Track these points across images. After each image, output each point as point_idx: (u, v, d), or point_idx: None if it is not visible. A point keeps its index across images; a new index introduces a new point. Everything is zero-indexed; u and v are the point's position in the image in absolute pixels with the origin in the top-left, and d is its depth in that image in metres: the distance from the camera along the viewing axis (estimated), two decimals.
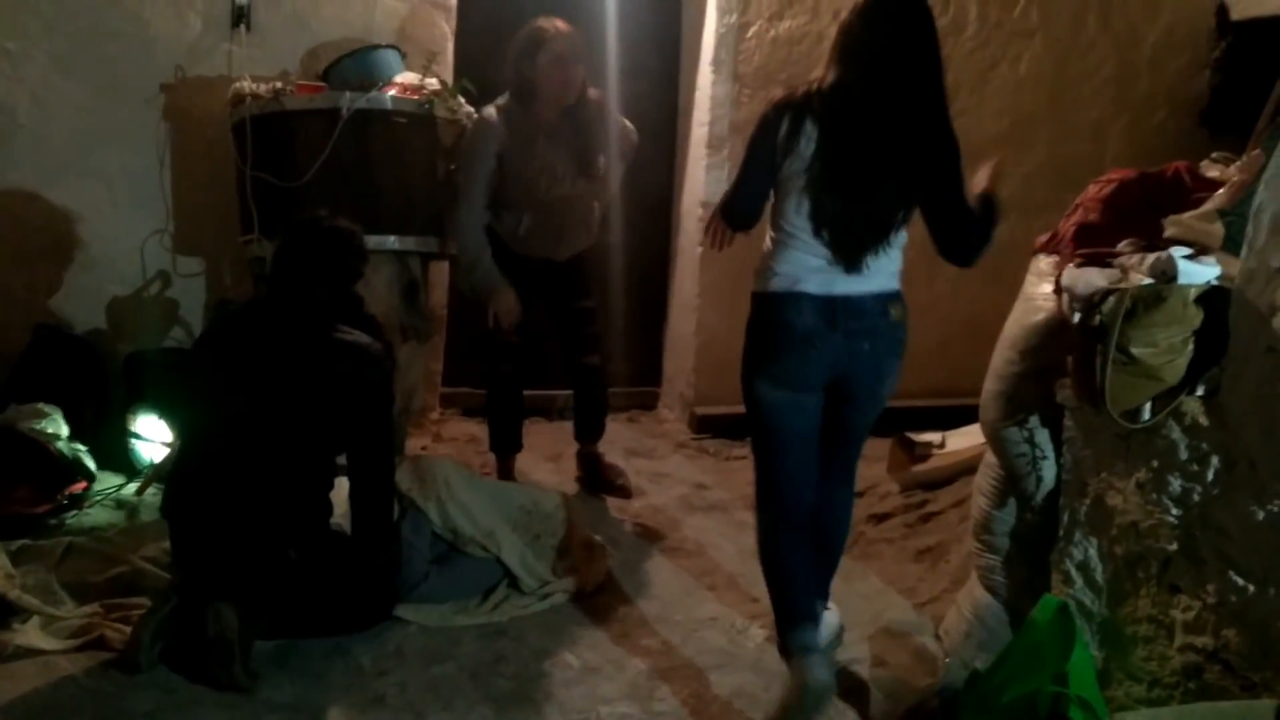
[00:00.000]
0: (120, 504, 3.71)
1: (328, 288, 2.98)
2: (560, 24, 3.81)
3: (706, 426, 5.10)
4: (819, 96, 2.57)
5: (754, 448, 2.86)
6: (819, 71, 2.67)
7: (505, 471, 4.13)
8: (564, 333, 4.13)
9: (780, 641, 2.63)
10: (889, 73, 2.55)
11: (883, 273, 2.63)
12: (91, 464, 3.78)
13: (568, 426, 5.02)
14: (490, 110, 3.82)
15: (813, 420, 2.74)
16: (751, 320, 2.86)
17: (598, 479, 4.24)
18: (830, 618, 2.87)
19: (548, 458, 4.64)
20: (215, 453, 2.82)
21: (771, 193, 2.71)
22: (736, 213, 2.83)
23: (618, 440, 4.99)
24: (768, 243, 2.77)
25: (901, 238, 2.66)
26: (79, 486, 3.66)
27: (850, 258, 2.58)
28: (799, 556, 2.71)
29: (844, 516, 2.95)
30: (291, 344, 2.88)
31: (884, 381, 2.79)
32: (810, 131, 2.55)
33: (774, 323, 2.72)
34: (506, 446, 4.17)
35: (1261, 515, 2.21)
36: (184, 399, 3.09)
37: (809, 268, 2.62)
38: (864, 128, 2.53)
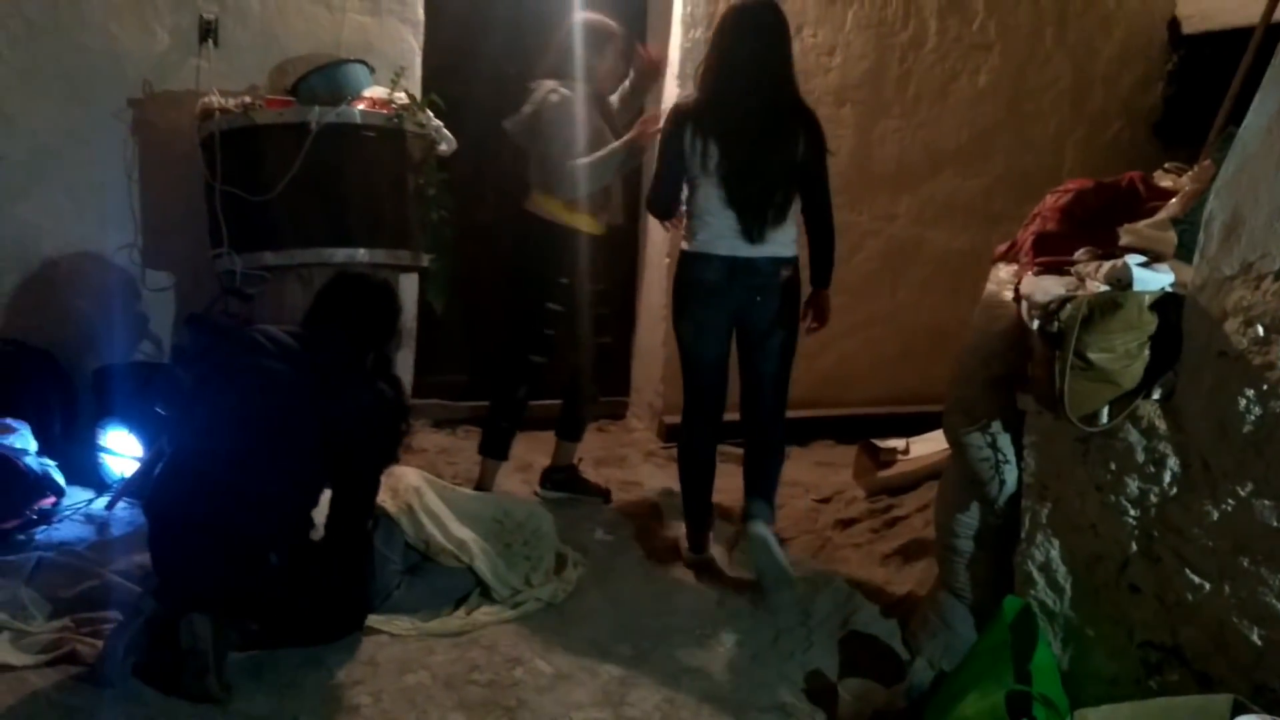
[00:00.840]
0: (90, 518, 3.70)
1: (374, 349, 3.06)
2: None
3: (675, 435, 5.10)
4: (704, 109, 3.38)
5: (682, 371, 3.67)
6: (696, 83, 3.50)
7: (487, 476, 4.14)
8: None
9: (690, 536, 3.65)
10: (742, 83, 3.34)
11: (777, 241, 3.41)
12: (60, 478, 3.75)
13: (540, 437, 5.03)
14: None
15: (718, 350, 3.52)
16: (676, 273, 3.56)
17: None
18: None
19: (518, 468, 4.65)
20: (209, 459, 2.81)
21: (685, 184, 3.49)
22: (660, 207, 3.62)
23: (587, 450, 5.01)
24: (690, 219, 3.50)
25: (794, 213, 3.45)
26: (48, 501, 3.64)
27: (753, 229, 3.36)
28: (707, 454, 3.67)
29: (777, 453, 3.65)
30: (324, 382, 2.87)
31: (777, 331, 3.49)
32: (707, 139, 3.35)
33: (690, 275, 3.48)
34: (499, 453, 4.18)
35: (1216, 515, 2.28)
36: (182, 405, 3.06)
37: (720, 235, 3.39)
38: (743, 131, 3.34)
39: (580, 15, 4.09)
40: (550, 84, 3.97)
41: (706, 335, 3.50)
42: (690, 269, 3.47)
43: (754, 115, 3.34)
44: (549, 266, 3.98)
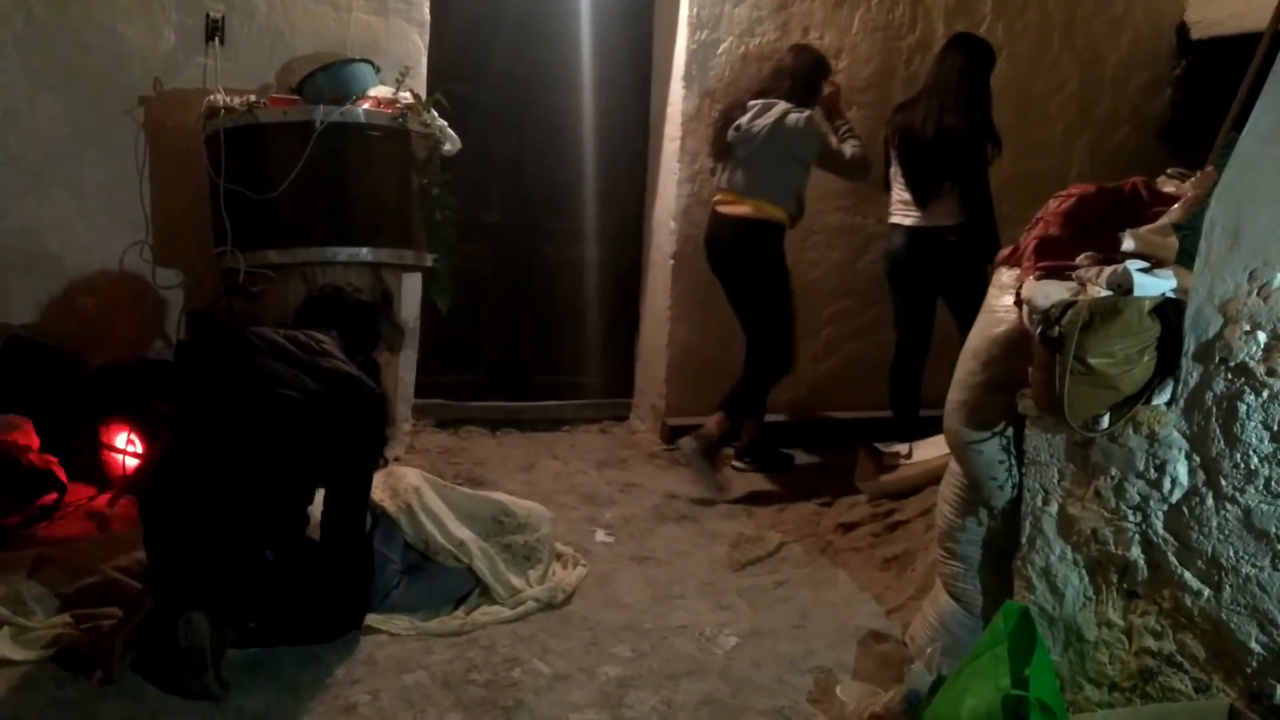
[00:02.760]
0: (91, 515, 3.71)
1: (362, 354, 3.17)
2: None
3: (678, 437, 5.11)
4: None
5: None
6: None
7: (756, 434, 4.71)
8: None
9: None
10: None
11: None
12: (63, 475, 3.76)
13: (542, 437, 5.06)
14: None
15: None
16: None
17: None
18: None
19: (521, 468, 4.66)
20: (202, 457, 2.82)
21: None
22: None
23: (590, 451, 5.03)
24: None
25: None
26: (50, 497, 3.66)
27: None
28: None
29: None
30: (319, 381, 2.91)
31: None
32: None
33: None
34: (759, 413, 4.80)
35: (1216, 522, 2.28)
36: (182, 403, 3.09)
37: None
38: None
39: (803, 46, 4.80)
40: (784, 105, 4.46)
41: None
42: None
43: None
44: (780, 259, 4.63)
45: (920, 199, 4.60)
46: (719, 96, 5.10)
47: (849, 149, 4.63)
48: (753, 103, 4.52)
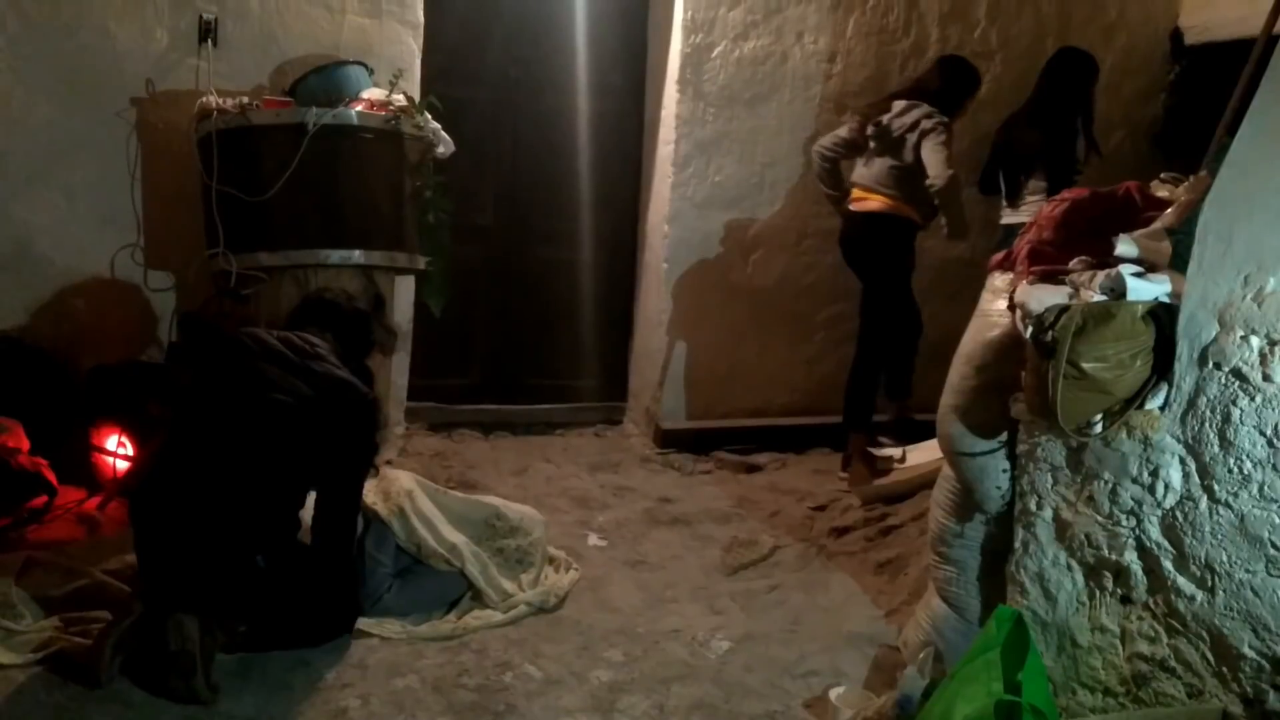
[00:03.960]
0: (81, 518, 3.69)
1: (355, 360, 3.14)
2: None
3: (671, 441, 5.13)
4: None
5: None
6: None
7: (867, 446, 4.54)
8: None
9: None
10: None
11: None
12: (53, 477, 3.74)
13: (535, 441, 5.05)
14: None
15: None
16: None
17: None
18: None
19: (513, 472, 4.65)
20: (193, 461, 2.80)
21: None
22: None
23: (583, 454, 5.02)
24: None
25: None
26: (40, 500, 3.64)
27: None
28: None
29: None
30: (311, 385, 2.90)
31: None
32: None
33: None
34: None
35: (1209, 527, 2.27)
36: (173, 406, 3.08)
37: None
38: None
39: (954, 57, 4.92)
40: (926, 108, 4.54)
41: None
42: None
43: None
44: (907, 255, 4.78)
45: (1009, 197, 4.93)
46: (714, 101, 5.10)
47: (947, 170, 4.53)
48: (898, 103, 4.63)
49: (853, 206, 4.77)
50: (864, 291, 4.84)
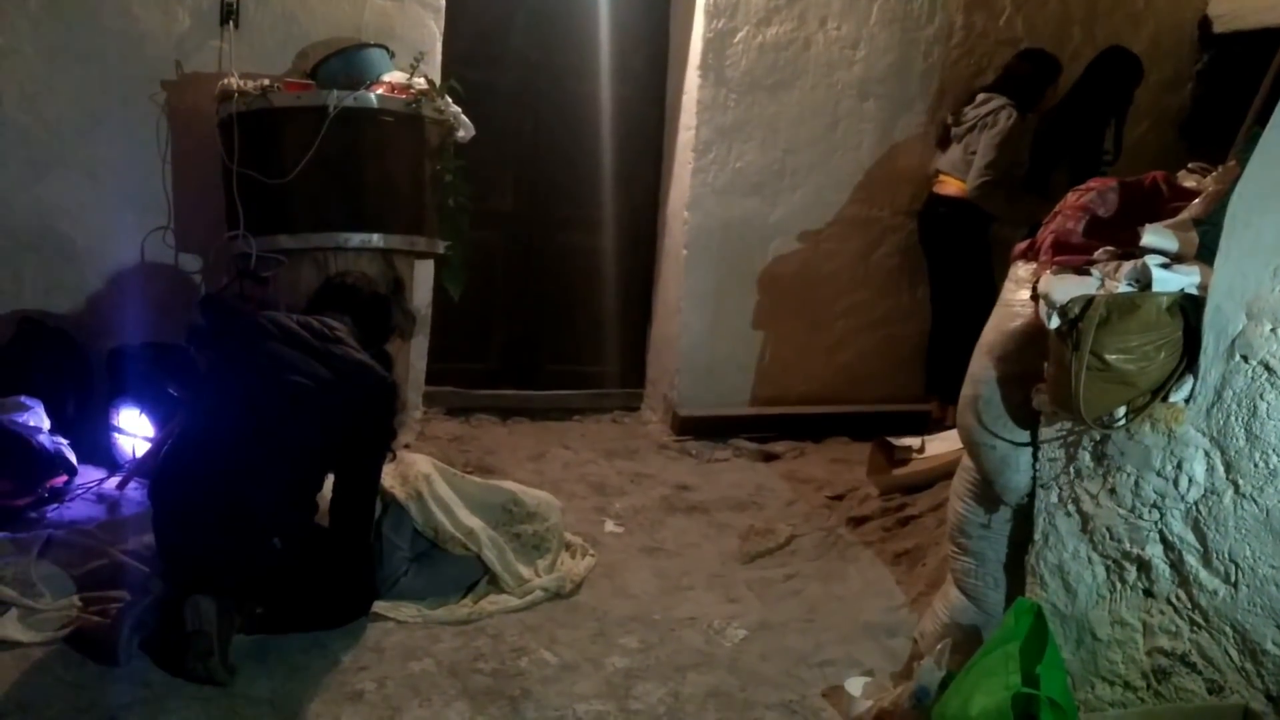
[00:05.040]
0: (101, 498, 3.72)
1: (375, 346, 3.16)
2: None
3: (689, 428, 5.12)
4: None
5: None
6: None
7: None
8: None
9: None
10: None
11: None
12: (73, 457, 3.77)
13: (552, 426, 5.05)
14: None
15: None
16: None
17: None
18: None
19: (531, 457, 4.65)
20: (211, 442, 2.81)
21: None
22: None
23: (600, 441, 5.01)
24: None
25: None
26: (60, 480, 3.66)
27: None
28: None
29: None
30: (330, 368, 2.91)
31: None
32: None
33: None
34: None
35: (1234, 521, 2.24)
36: (193, 387, 3.09)
37: None
38: None
39: (1035, 50, 5.06)
40: (1002, 99, 4.80)
41: None
42: None
43: None
44: (981, 241, 4.90)
45: (1032, 187, 5.03)
46: (735, 87, 5.07)
47: (981, 176, 4.79)
48: (981, 95, 4.93)
49: (934, 189, 5.07)
50: (931, 276, 5.13)
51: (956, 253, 5.00)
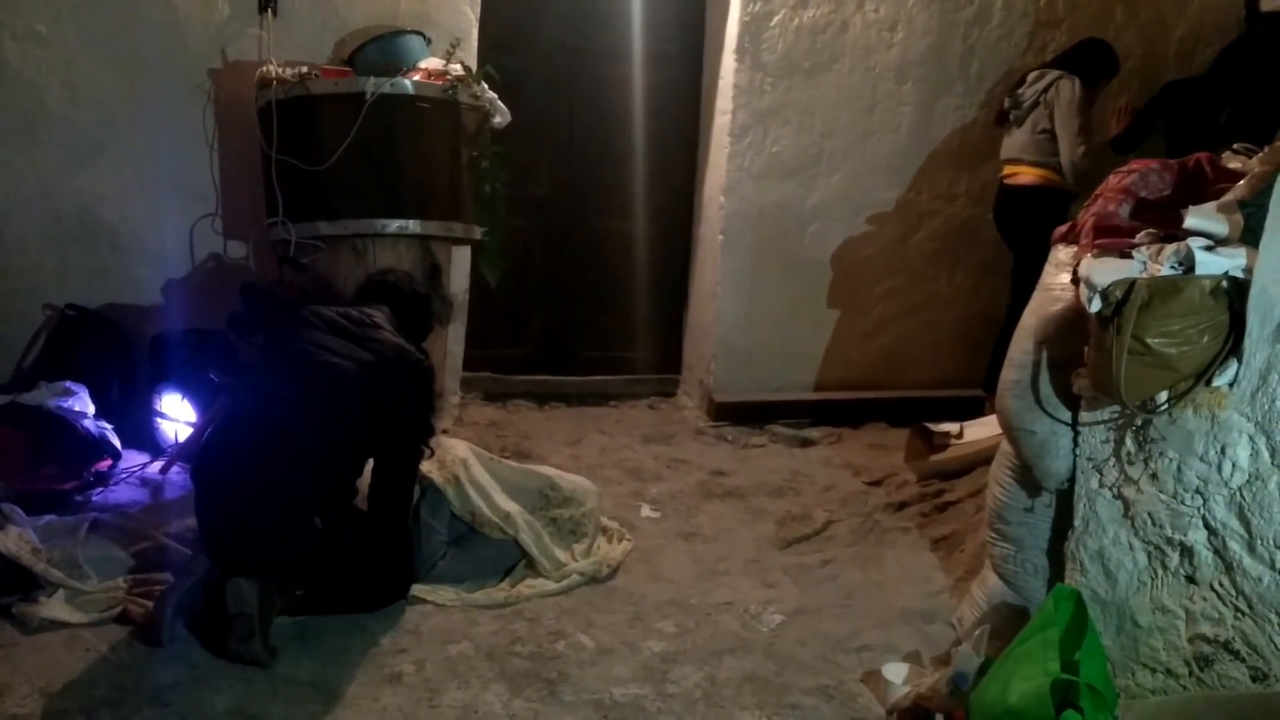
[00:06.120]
0: (145, 481, 3.77)
1: (412, 342, 3.16)
2: None
3: (725, 414, 5.11)
4: None
5: None
6: None
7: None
8: None
9: None
10: None
11: None
12: (117, 442, 3.83)
13: (589, 412, 5.06)
14: None
15: None
16: None
17: None
18: None
19: (567, 443, 4.66)
20: (253, 425, 2.84)
21: None
22: None
23: (637, 426, 5.02)
24: None
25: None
26: (104, 464, 3.72)
27: None
28: None
29: None
30: (371, 354, 2.94)
31: None
32: None
33: None
34: None
35: (1278, 506, 2.21)
36: (234, 372, 3.14)
37: None
38: None
39: (1092, 39, 4.89)
40: (1056, 72, 4.67)
41: None
42: None
43: None
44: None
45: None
46: (772, 70, 5.04)
47: (1078, 146, 4.62)
48: (1032, 74, 4.78)
49: (1005, 180, 4.88)
50: (1015, 262, 4.89)
51: (1040, 243, 4.85)
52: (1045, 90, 4.66)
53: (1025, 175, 4.76)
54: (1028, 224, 4.73)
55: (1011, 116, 4.82)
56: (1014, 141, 4.81)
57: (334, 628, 2.84)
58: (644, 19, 5.25)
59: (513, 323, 5.38)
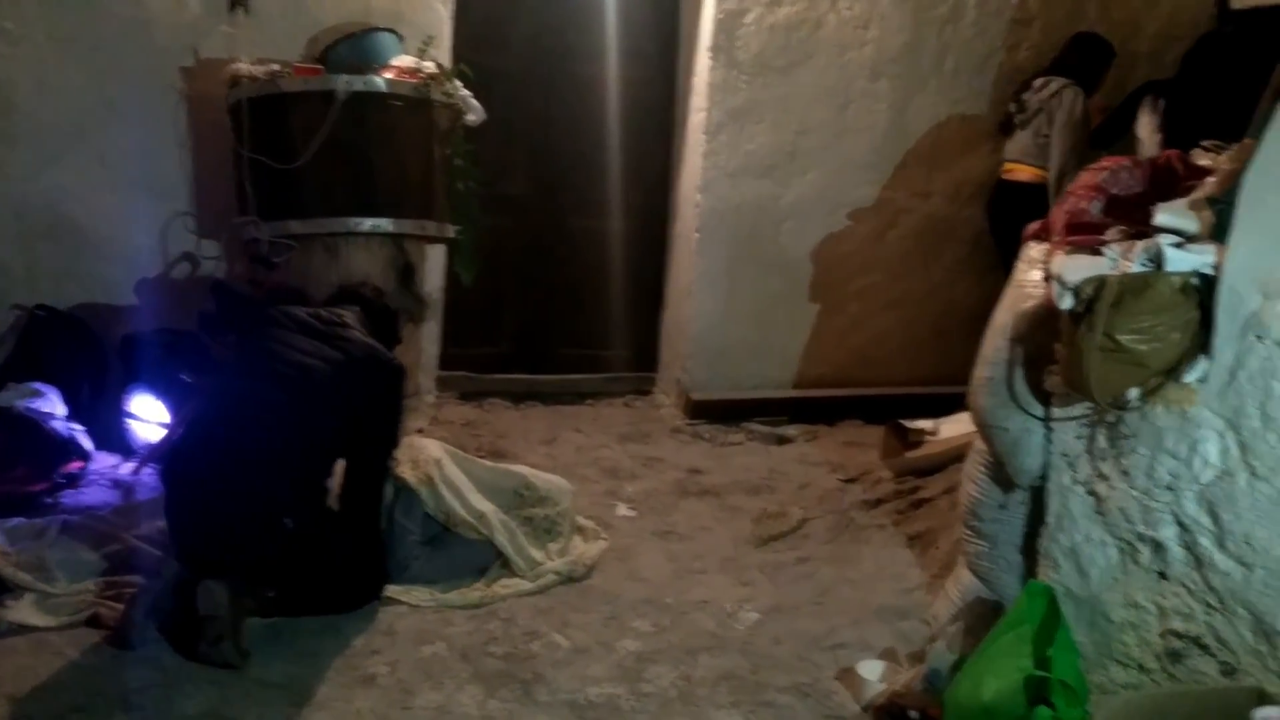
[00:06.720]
0: (115, 483, 3.74)
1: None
2: None
3: (701, 412, 5.11)
4: None
5: None
6: None
7: None
8: None
9: None
10: None
11: None
12: (88, 443, 3.80)
13: (565, 410, 5.04)
14: None
15: None
16: None
17: None
18: None
19: (543, 441, 4.65)
20: (223, 426, 2.82)
21: None
22: None
23: (613, 425, 5.01)
24: None
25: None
26: (75, 465, 3.69)
27: None
28: None
29: None
30: (341, 355, 2.94)
31: None
32: None
33: None
34: None
35: (1248, 503, 2.23)
36: (204, 372, 3.12)
37: None
38: None
39: (1087, 33, 5.06)
40: (1062, 80, 4.82)
41: None
42: None
43: None
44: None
45: None
46: (747, 68, 5.04)
47: (1067, 162, 4.75)
48: (1039, 80, 4.94)
49: (1003, 176, 5.07)
50: (1003, 258, 4.91)
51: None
52: (1050, 98, 4.81)
53: (1023, 173, 4.93)
54: (1020, 219, 4.78)
55: (1016, 120, 5.00)
56: (1016, 144, 4.99)
57: (307, 629, 2.82)
58: (618, 17, 5.24)
59: (488, 321, 5.36)
